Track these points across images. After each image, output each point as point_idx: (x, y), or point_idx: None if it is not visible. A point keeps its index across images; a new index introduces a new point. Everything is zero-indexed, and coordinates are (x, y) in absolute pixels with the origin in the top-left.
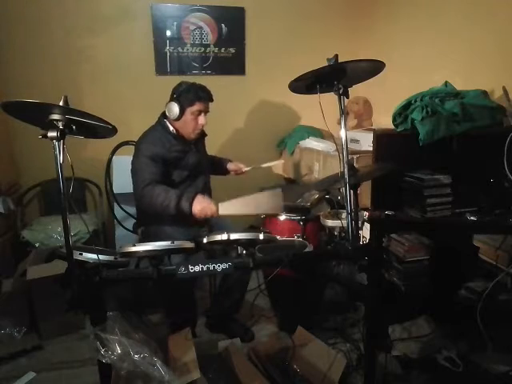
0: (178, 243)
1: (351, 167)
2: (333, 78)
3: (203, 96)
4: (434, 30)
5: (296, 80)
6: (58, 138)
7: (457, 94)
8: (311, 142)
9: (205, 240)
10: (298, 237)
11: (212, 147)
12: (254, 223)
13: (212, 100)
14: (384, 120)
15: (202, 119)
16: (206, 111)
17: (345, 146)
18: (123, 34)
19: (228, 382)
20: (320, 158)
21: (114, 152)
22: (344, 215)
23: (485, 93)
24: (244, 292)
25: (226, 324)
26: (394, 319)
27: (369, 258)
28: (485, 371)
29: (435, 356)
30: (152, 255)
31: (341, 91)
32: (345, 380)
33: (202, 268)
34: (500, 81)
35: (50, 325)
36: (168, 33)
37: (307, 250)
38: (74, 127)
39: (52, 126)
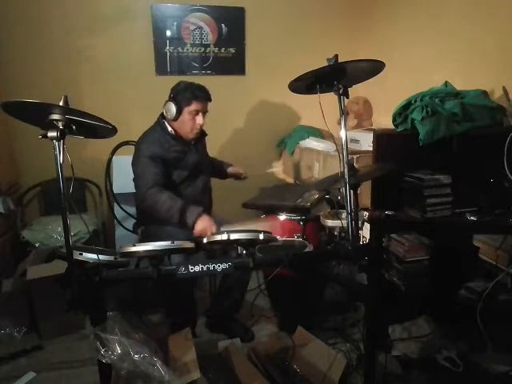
0: (178, 243)
1: (351, 167)
2: (333, 77)
3: (200, 95)
4: (434, 30)
5: (296, 80)
6: (58, 138)
7: (457, 94)
8: (311, 142)
9: (205, 240)
10: (298, 237)
11: (212, 147)
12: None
13: (210, 100)
14: (384, 120)
15: (199, 119)
16: (204, 111)
17: (345, 146)
18: (123, 34)
19: (228, 382)
20: (320, 157)
21: (113, 152)
22: (344, 215)
23: (485, 93)
24: (244, 292)
25: (226, 324)
26: (394, 319)
27: (369, 258)
28: (485, 371)
29: (435, 356)
30: (152, 255)
31: (341, 91)
32: (345, 380)
33: (202, 268)
34: (500, 81)
35: (50, 325)
36: (168, 33)
37: (307, 250)
38: (74, 127)
39: (52, 126)
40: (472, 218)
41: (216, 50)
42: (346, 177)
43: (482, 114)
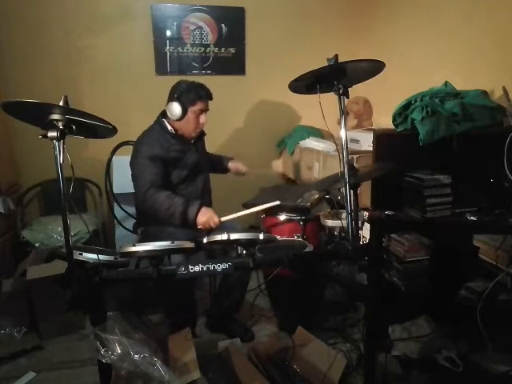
0: (177, 243)
1: (351, 167)
2: (333, 78)
3: (204, 95)
4: (434, 30)
5: (296, 80)
6: (58, 138)
7: (457, 94)
8: (311, 142)
9: (205, 240)
10: (298, 237)
11: (212, 147)
12: (254, 223)
13: (212, 98)
14: (384, 120)
15: (203, 118)
16: (206, 110)
17: (345, 146)
18: (123, 34)
19: (228, 382)
20: (320, 157)
21: (113, 152)
22: (344, 215)
23: (485, 93)
24: (244, 292)
25: (226, 324)
26: (394, 319)
27: (369, 258)
28: (485, 371)
29: (435, 356)
30: (152, 255)
31: (341, 91)
32: (345, 380)
33: (202, 268)
34: (500, 81)
35: (50, 325)
36: (168, 33)
37: (307, 250)
38: (74, 127)
39: (52, 126)
40: (472, 217)
41: (216, 50)
42: (346, 177)
43: (482, 114)
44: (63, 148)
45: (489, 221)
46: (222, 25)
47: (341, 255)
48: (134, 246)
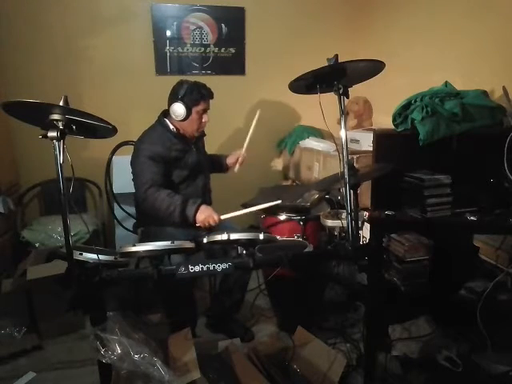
0: (177, 243)
1: (351, 167)
2: (333, 78)
3: (206, 94)
4: (434, 30)
5: (296, 80)
6: (58, 138)
7: (457, 94)
8: (311, 142)
9: (205, 240)
10: (298, 237)
11: (212, 147)
12: (254, 223)
13: (213, 97)
14: (384, 120)
15: (205, 117)
16: (208, 109)
17: (345, 146)
18: (123, 34)
19: (228, 382)
20: (320, 157)
21: (113, 152)
22: (344, 215)
23: (485, 93)
24: (244, 292)
25: (226, 324)
26: (394, 319)
27: (369, 258)
28: (485, 371)
29: (435, 356)
30: (152, 255)
31: (341, 91)
32: (345, 380)
33: (202, 268)
34: (500, 81)
35: (50, 325)
36: (168, 33)
37: (307, 250)
38: (74, 127)
39: (52, 125)
40: (472, 218)
41: (216, 49)
42: (346, 177)
43: (482, 114)
44: (63, 148)
45: (489, 221)
46: (222, 25)
47: (341, 255)
48: (134, 246)
